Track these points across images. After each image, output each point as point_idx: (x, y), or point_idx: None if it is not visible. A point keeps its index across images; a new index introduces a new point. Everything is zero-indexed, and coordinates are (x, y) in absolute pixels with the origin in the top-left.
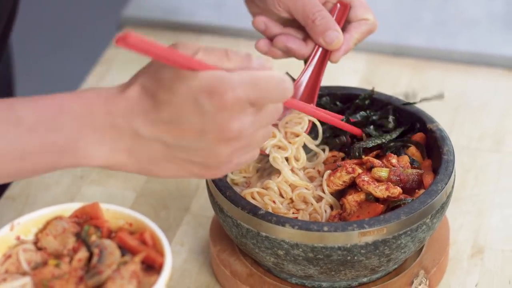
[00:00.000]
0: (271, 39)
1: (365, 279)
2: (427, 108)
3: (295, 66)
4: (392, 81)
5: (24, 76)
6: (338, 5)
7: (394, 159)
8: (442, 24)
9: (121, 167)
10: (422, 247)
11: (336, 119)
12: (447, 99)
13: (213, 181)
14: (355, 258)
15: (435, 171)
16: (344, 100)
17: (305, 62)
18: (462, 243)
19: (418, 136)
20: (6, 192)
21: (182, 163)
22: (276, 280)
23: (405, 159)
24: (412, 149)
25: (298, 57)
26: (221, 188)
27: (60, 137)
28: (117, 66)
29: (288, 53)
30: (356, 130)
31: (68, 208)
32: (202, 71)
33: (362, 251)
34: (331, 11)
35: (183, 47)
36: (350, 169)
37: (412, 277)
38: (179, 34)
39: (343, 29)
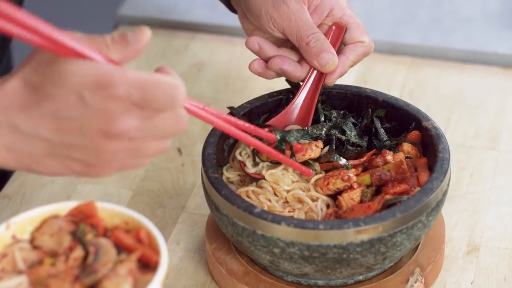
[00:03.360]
0: (265, 60)
1: (361, 277)
2: (422, 106)
3: None
4: (388, 79)
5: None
6: (334, 27)
7: (389, 156)
8: (438, 22)
9: (1, 163)
10: (418, 245)
11: (264, 146)
12: (443, 97)
13: (209, 179)
14: (351, 256)
15: (431, 169)
16: (340, 99)
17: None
18: (457, 241)
19: (414, 134)
20: (1, 191)
21: (64, 160)
22: (272, 278)
23: (400, 155)
24: (408, 147)
25: (293, 79)
26: (217, 186)
27: None
28: None
29: (283, 75)
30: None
31: (64, 207)
32: (89, 65)
33: (357, 249)
34: (326, 33)
35: (65, 33)
36: (345, 178)
37: (408, 275)
38: (175, 32)
39: (339, 51)
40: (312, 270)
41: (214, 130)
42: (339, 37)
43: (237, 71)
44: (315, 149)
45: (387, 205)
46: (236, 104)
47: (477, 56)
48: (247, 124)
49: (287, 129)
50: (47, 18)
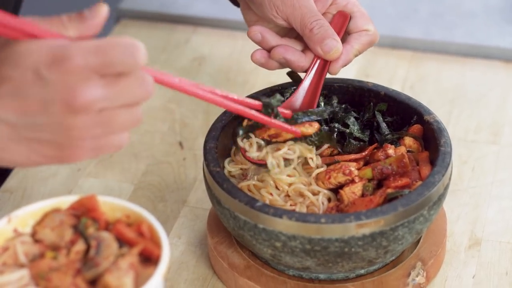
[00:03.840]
0: (268, 50)
1: (362, 271)
2: (424, 100)
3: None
4: (389, 73)
5: None
6: (338, 15)
7: (391, 150)
8: (439, 16)
9: None
10: (420, 238)
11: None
12: (444, 91)
13: (211, 173)
14: (352, 250)
15: (432, 163)
16: (342, 93)
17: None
18: (459, 235)
19: (415, 128)
20: (3, 185)
21: (31, 143)
22: (273, 272)
23: (401, 149)
24: (409, 141)
25: (297, 69)
26: (218, 180)
27: None
28: None
29: (286, 65)
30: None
31: (66, 201)
32: (43, 41)
33: (359, 242)
34: (331, 22)
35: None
36: (347, 172)
37: (409, 268)
38: (175, 26)
39: (343, 40)
40: (313, 263)
41: (215, 124)
42: (343, 25)
43: (238, 65)
44: (308, 127)
45: (389, 199)
46: None
47: (479, 50)
48: (231, 95)
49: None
50: (49, 11)
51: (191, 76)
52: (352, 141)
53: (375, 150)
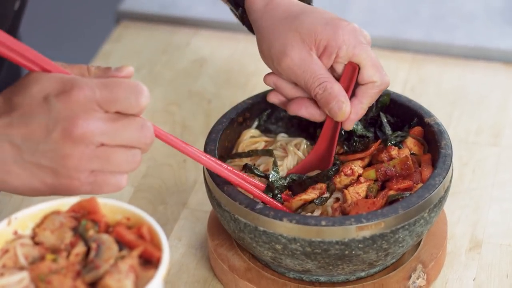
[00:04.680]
0: (283, 96)
1: (363, 274)
2: (425, 102)
3: None
4: (390, 75)
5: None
6: (348, 66)
7: (394, 151)
8: (440, 18)
9: None
10: (420, 241)
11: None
12: (445, 93)
13: (211, 175)
14: (353, 252)
15: (433, 165)
16: None
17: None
18: (460, 237)
19: (416, 130)
20: None
21: (32, 168)
22: (274, 275)
23: (405, 151)
24: (411, 143)
25: (313, 121)
26: (218, 182)
27: None
28: (115, 61)
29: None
30: None
31: (66, 203)
32: (55, 73)
33: (359, 245)
34: (342, 74)
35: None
36: (349, 172)
37: (410, 271)
38: (176, 28)
39: (354, 91)
40: (314, 266)
41: (215, 126)
42: (352, 77)
43: (239, 66)
44: (310, 192)
45: (390, 201)
46: (239, 99)
47: (480, 52)
48: (239, 172)
49: (310, 174)
50: (49, 14)
51: (192, 78)
52: (357, 139)
53: (378, 152)
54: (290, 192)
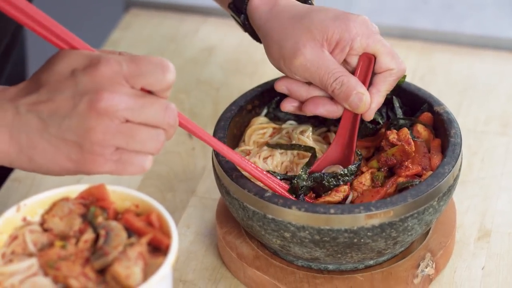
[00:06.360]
0: (297, 99)
1: (371, 262)
2: (434, 91)
3: None
4: None
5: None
6: (363, 57)
7: (391, 135)
8: (449, 7)
9: (3, 149)
10: (429, 230)
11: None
12: (454, 82)
13: (220, 163)
14: (362, 240)
15: (443, 153)
16: None
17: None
18: (468, 226)
19: (425, 116)
20: (12, 174)
21: (58, 143)
22: (282, 263)
23: (404, 131)
24: (420, 128)
25: (331, 118)
26: (227, 170)
27: None
28: (123, 49)
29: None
30: None
31: (75, 190)
32: (81, 51)
33: (368, 233)
34: (357, 66)
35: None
36: (342, 190)
37: (419, 260)
38: (184, 16)
39: (371, 81)
40: (322, 254)
41: (224, 113)
42: (369, 67)
43: (247, 55)
44: (334, 195)
45: (399, 190)
46: (247, 88)
47: (489, 41)
48: (264, 171)
49: (329, 170)
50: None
51: (200, 66)
52: (368, 124)
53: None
54: (314, 195)
